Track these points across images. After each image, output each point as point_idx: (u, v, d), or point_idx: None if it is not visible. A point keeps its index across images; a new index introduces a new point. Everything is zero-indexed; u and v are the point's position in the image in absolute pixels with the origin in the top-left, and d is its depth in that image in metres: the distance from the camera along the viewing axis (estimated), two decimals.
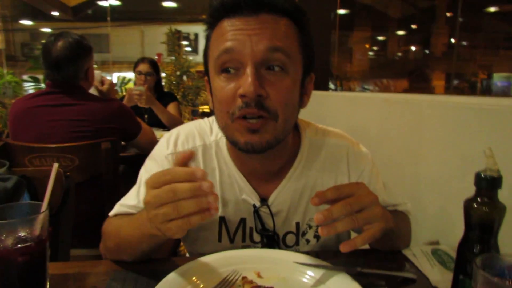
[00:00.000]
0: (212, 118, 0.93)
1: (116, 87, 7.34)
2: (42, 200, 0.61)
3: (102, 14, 10.60)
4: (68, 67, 1.64)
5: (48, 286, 0.62)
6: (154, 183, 0.56)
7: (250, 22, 0.70)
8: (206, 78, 0.82)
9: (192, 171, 0.55)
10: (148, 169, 0.87)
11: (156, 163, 0.86)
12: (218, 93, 0.73)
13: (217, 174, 0.85)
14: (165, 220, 0.56)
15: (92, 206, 1.59)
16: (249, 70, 0.69)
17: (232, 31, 0.70)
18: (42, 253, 0.60)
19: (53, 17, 11.45)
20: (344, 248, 0.63)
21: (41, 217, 0.58)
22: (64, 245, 1.15)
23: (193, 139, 0.87)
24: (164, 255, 1.06)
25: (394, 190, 1.04)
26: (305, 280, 0.70)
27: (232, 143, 0.77)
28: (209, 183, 0.54)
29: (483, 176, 0.65)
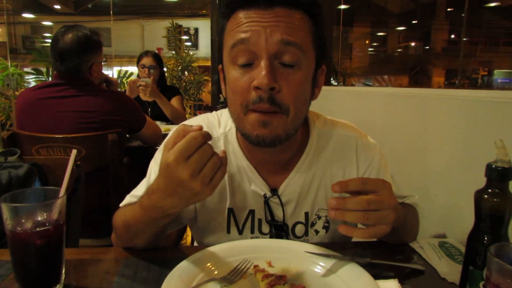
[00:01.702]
0: (220, 112, 0.93)
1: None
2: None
3: (103, 8, 10.56)
4: (71, 59, 1.64)
5: (63, 270, 0.63)
6: (184, 155, 0.58)
7: (265, 15, 0.71)
8: (220, 66, 0.83)
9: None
10: (158, 161, 0.87)
11: None
12: (233, 84, 0.74)
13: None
14: (211, 179, 0.59)
15: (98, 197, 1.60)
16: (263, 63, 0.70)
17: (248, 22, 0.71)
18: (60, 237, 0.61)
19: (55, 10, 11.41)
20: (341, 229, 0.64)
21: (59, 202, 0.59)
22: (74, 233, 1.16)
23: None
24: (170, 243, 1.07)
25: (401, 183, 1.05)
26: (316, 269, 0.71)
27: (243, 135, 0.78)
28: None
29: (494, 167, 0.65)
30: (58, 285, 0.62)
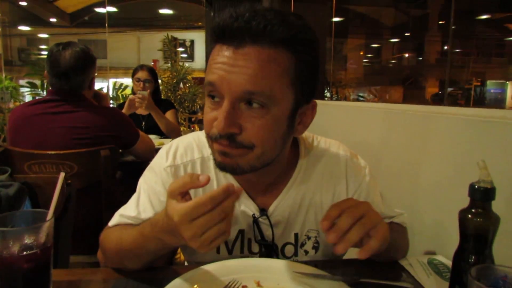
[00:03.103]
0: None
1: (112, 93, 7.35)
2: (43, 207, 0.63)
3: (99, 21, 10.64)
4: (77, 77, 1.67)
5: None
6: (190, 218, 0.58)
7: (235, 54, 0.67)
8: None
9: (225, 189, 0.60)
10: (147, 180, 0.88)
11: (155, 175, 0.87)
12: (204, 115, 0.75)
13: (215, 185, 0.86)
14: (211, 242, 0.60)
15: (90, 213, 1.60)
16: (224, 105, 0.68)
17: (218, 63, 0.69)
18: (47, 260, 0.61)
19: (51, 23, 11.48)
20: (362, 254, 0.64)
21: (47, 225, 0.60)
22: (64, 252, 1.16)
23: (192, 152, 0.88)
24: (162, 263, 1.07)
25: (392, 200, 1.06)
26: None
27: (214, 162, 0.77)
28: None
29: (476, 187, 0.66)
30: None
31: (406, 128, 1.30)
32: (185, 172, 0.86)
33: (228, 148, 0.70)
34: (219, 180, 0.87)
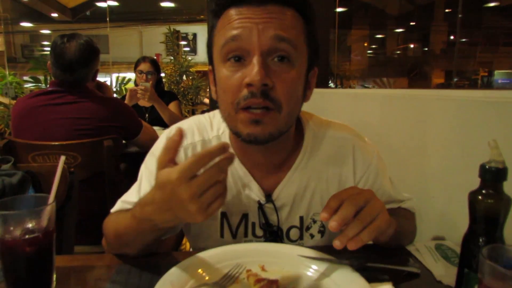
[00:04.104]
0: (213, 113, 0.92)
1: (116, 87, 7.36)
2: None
3: (100, 15, 10.62)
4: (82, 69, 1.67)
5: (54, 278, 0.63)
6: (189, 175, 0.56)
7: (257, 12, 0.70)
8: (209, 67, 0.82)
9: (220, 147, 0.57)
10: (149, 165, 0.87)
11: (156, 159, 0.86)
12: (223, 82, 0.73)
13: None
14: (208, 205, 0.58)
15: (94, 204, 1.60)
16: (255, 59, 0.68)
17: (239, 19, 0.70)
18: (49, 245, 0.60)
19: (52, 18, 11.48)
20: (351, 246, 0.62)
21: (49, 209, 0.59)
22: (68, 240, 1.16)
23: (192, 135, 0.87)
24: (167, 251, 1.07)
25: (399, 186, 1.04)
26: (309, 273, 0.70)
27: (235, 134, 0.76)
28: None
29: (487, 167, 0.64)
30: None
31: (412, 112, 1.28)
32: (185, 155, 0.85)
33: (260, 114, 0.70)
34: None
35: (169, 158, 0.60)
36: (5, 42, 9.74)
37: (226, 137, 0.87)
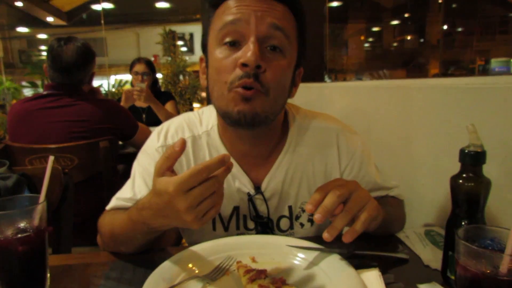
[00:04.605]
0: (202, 110, 0.95)
1: (113, 89, 7.37)
2: None
3: (96, 18, 10.60)
4: (79, 71, 1.70)
5: (48, 276, 0.64)
6: (186, 188, 0.57)
7: (256, 2, 0.73)
8: (201, 56, 0.84)
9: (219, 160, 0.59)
10: (141, 162, 0.89)
11: (148, 156, 0.88)
12: (218, 63, 0.75)
13: None
14: (204, 214, 0.60)
15: (93, 205, 1.61)
16: (252, 42, 0.71)
17: (238, 6, 0.74)
18: (42, 243, 0.61)
19: (48, 23, 11.48)
20: (346, 238, 0.64)
21: (39, 208, 0.60)
22: (66, 241, 1.18)
23: (182, 131, 0.89)
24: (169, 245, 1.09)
25: (388, 174, 1.06)
26: (298, 263, 0.72)
27: (225, 114, 0.77)
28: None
29: (467, 151, 0.66)
30: None
31: (399, 102, 1.29)
32: None
33: (250, 93, 0.72)
34: (212, 158, 0.87)
35: (167, 167, 0.61)
36: (3, 48, 9.75)
37: (215, 132, 0.89)
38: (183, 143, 0.60)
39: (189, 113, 0.95)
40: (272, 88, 0.74)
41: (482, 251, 0.46)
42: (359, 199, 0.66)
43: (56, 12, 10.92)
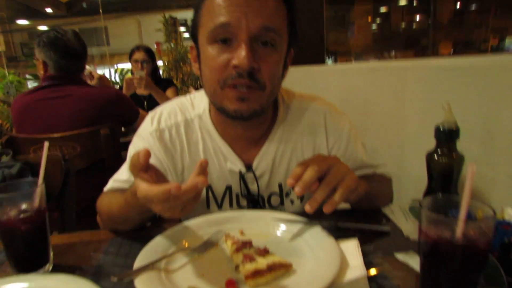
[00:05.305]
0: (194, 95, 0.98)
1: (115, 78, 7.39)
2: (45, 182, 0.68)
3: (96, 7, 10.54)
4: (82, 58, 1.77)
5: (51, 253, 0.70)
6: (153, 201, 0.59)
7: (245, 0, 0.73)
8: (191, 45, 0.86)
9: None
10: (136, 146, 0.93)
11: (142, 140, 0.92)
12: (210, 61, 0.78)
13: (201, 146, 0.91)
14: (180, 210, 0.62)
15: (97, 191, 1.67)
16: (244, 44, 0.73)
17: (228, 6, 0.74)
18: (43, 222, 0.67)
19: (48, 14, 11.43)
20: (327, 209, 0.67)
21: (39, 190, 0.65)
22: (70, 224, 1.23)
23: (175, 115, 0.93)
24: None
25: (380, 154, 1.09)
26: (283, 234, 0.76)
27: (220, 109, 0.81)
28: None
29: (441, 129, 0.69)
30: (48, 265, 0.69)
31: (391, 82, 1.32)
32: (170, 135, 0.91)
33: (246, 92, 0.75)
34: (205, 142, 0.91)
35: (138, 171, 0.62)
36: (4, 41, 9.78)
37: (206, 116, 0.92)
38: (147, 155, 0.61)
39: (181, 98, 0.99)
40: (268, 83, 0.77)
41: (440, 217, 0.50)
42: (337, 172, 0.69)
43: (54, 3, 10.86)
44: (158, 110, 0.95)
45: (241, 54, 0.73)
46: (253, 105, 0.78)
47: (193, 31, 0.83)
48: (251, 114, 0.79)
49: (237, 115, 0.78)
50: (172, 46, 6.29)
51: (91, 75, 2.41)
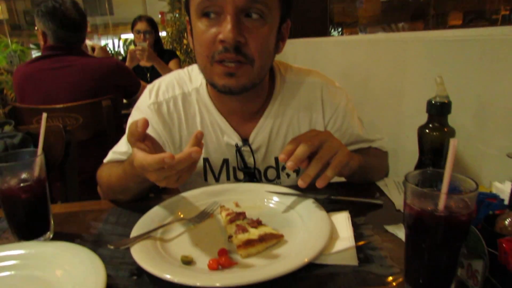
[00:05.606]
0: (191, 67, 0.98)
1: (119, 49, 7.30)
2: (46, 153, 0.70)
3: None
4: (84, 27, 1.75)
5: (52, 222, 0.73)
6: (148, 169, 0.61)
7: None
8: (187, 19, 0.86)
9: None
10: (134, 118, 0.93)
11: (140, 112, 0.93)
12: (199, 37, 0.77)
13: (198, 119, 0.92)
14: (176, 180, 0.64)
15: (98, 162, 1.70)
16: (229, 17, 0.72)
17: None
18: (43, 191, 0.69)
19: None
20: (319, 183, 0.69)
21: (38, 160, 0.67)
22: (72, 194, 1.27)
23: (173, 89, 0.93)
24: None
25: (378, 128, 1.09)
26: (276, 206, 0.78)
27: (211, 85, 0.82)
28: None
29: (433, 102, 0.69)
30: (48, 233, 0.72)
31: (392, 56, 1.30)
32: (167, 108, 0.92)
33: (234, 67, 0.74)
34: (202, 115, 0.92)
35: (135, 140, 0.64)
36: (7, 9, 9.63)
37: (204, 89, 0.93)
38: (145, 124, 0.63)
39: (179, 70, 0.99)
40: (257, 57, 0.76)
41: (422, 190, 0.51)
42: (330, 147, 0.70)
43: None
44: (156, 83, 0.96)
45: (226, 28, 0.72)
46: (242, 80, 0.77)
47: (186, 4, 0.83)
48: (240, 89, 0.78)
49: (225, 91, 0.78)
50: (176, 16, 6.17)
51: (92, 49, 2.40)
